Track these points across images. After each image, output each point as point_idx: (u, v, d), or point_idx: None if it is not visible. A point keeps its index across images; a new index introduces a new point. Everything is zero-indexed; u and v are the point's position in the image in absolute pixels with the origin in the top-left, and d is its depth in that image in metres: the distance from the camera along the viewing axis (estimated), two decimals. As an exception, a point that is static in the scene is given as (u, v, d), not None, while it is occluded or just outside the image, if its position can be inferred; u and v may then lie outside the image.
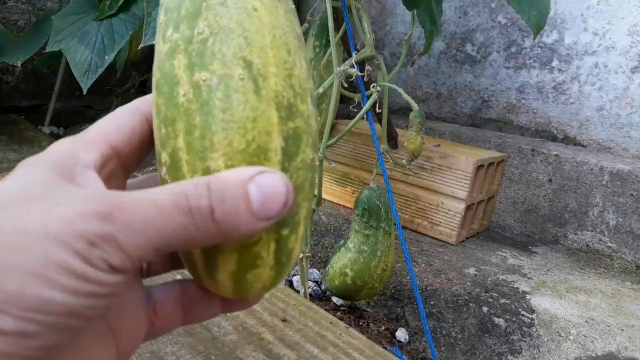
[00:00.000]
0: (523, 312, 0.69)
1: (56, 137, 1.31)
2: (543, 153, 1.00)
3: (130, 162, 0.24)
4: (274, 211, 0.20)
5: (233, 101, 0.21)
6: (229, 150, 0.21)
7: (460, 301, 0.71)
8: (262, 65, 0.21)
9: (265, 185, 0.19)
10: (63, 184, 0.19)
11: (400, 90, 0.67)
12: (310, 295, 0.76)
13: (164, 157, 0.22)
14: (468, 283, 0.76)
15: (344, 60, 0.71)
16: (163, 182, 0.22)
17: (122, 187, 0.24)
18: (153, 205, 0.19)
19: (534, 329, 0.66)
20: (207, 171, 0.21)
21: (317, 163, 0.24)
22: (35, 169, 0.20)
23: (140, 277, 0.25)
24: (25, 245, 0.17)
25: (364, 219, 0.67)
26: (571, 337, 0.65)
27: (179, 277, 0.27)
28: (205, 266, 0.22)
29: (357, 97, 0.75)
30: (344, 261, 0.67)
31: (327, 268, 0.70)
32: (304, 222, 0.23)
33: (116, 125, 0.23)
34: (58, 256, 0.17)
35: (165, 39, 0.22)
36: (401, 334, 0.70)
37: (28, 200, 0.19)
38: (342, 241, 0.69)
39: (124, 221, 0.18)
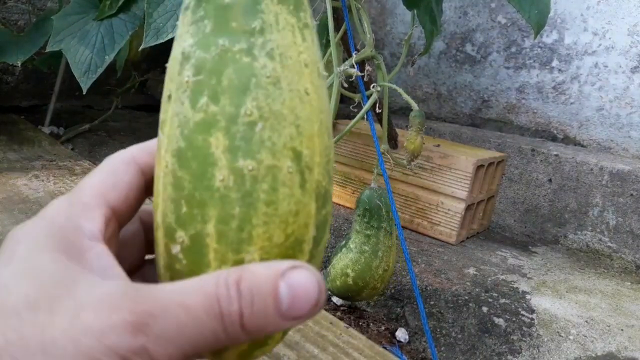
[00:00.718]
0: (523, 312, 0.69)
1: (56, 137, 1.31)
2: (543, 153, 1.00)
3: (125, 217, 0.23)
4: (304, 312, 0.18)
5: (279, 195, 0.19)
6: (267, 244, 0.19)
7: (460, 301, 0.71)
8: (309, 156, 0.20)
9: (296, 284, 0.18)
10: (78, 272, 0.18)
11: (400, 90, 0.67)
12: (310, 295, 0.76)
13: (181, 236, 0.20)
14: (468, 283, 0.76)
15: (344, 60, 0.71)
16: (170, 258, 0.21)
17: (117, 241, 0.23)
18: (185, 311, 0.17)
19: (533, 329, 0.66)
20: (238, 263, 0.19)
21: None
22: (39, 251, 0.18)
23: None
24: None
25: (365, 219, 0.67)
26: (571, 337, 0.65)
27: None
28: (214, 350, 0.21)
29: (357, 97, 0.75)
30: (345, 262, 0.67)
31: (328, 269, 0.70)
32: None
33: (112, 181, 0.22)
34: None
35: (197, 107, 0.19)
36: (401, 334, 0.70)
37: (46, 301, 0.17)
38: (344, 241, 0.69)
39: (157, 331, 0.17)
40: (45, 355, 0.16)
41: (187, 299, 0.17)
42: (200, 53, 0.19)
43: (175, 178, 0.20)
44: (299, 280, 0.18)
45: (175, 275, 0.20)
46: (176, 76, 0.20)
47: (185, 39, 0.20)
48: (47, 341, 0.16)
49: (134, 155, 0.22)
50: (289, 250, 0.20)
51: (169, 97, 0.20)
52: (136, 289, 0.18)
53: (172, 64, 0.21)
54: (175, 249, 0.20)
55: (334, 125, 1.02)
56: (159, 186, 0.21)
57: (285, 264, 0.18)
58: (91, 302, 0.17)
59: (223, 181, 0.19)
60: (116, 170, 0.22)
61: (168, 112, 0.20)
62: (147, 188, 0.23)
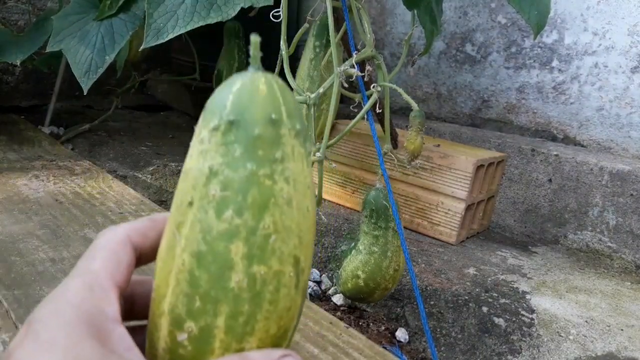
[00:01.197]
0: (523, 312, 0.69)
1: (56, 137, 1.31)
2: (543, 153, 1.00)
3: (123, 293, 0.26)
4: None
5: (280, 295, 0.23)
6: (264, 335, 0.23)
7: (460, 301, 0.71)
8: (304, 261, 0.24)
9: None
10: (112, 357, 0.21)
11: (400, 90, 0.67)
12: (310, 295, 0.76)
13: (191, 326, 0.23)
14: (468, 283, 0.76)
15: (344, 60, 0.71)
16: (174, 344, 0.23)
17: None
18: None
19: (533, 329, 0.66)
20: (239, 351, 0.23)
21: None
22: (78, 339, 0.21)
23: None
24: None
25: (373, 220, 0.67)
26: (571, 337, 0.65)
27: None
28: None
29: (357, 97, 0.75)
30: (355, 263, 0.67)
31: (339, 271, 0.70)
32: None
33: (116, 263, 0.25)
34: None
35: (222, 218, 0.22)
36: (401, 334, 0.70)
37: None
38: (353, 244, 0.69)
39: None
40: None
41: None
42: (229, 172, 0.23)
43: (191, 276, 0.23)
44: None
45: (177, 358, 0.24)
46: (201, 187, 0.23)
47: (213, 156, 0.23)
48: None
49: (128, 235, 0.25)
50: (279, 340, 0.24)
51: (190, 203, 0.23)
52: None
53: (195, 174, 0.23)
54: (182, 336, 0.23)
55: (334, 125, 1.02)
56: (170, 279, 0.23)
57: (279, 352, 0.22)
58: None
59: (238, 283, 0.22)
60: (117, 251, 0.25)
61: (188, 216, 0.23)
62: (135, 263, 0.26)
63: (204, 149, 0.23)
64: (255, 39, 0.23)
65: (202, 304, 0.22)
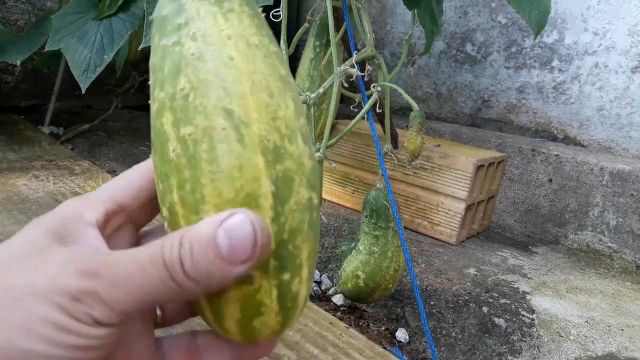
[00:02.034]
0: (523, 312, 0.69)
1: (56, 137, 1.31)
2: (543, 153, 1.00)
3: (140, 217, 0.25)
4: (245, 255, 0.20)
5: (217, 152, 0.21)
6: (219, 201, 0.21)
7: (460, 301, 0.71)
8: (243, 112, 0.22)
9: (232, 229, 0.20)
10: (55, 245, 0.20)
11: (400, 90, 0.67)
12: (310, 295, 0.76)
13: (164, 211, 0.22)
14: (468, 283, 0.76)
15: (345, 60, 0.71)
16: (165, 234, 0.23)
17: (133, 238, 0.25)
18: (134, 262, 0.20)
19: (534, 329, 0.66)
20: (197, 217, 0.21)
21: (316, 201, 0.24)
22: (34, 231, 0.21)
23: (151, 326, 0.25)
24: (10, 300, 0.18)
25: (373, 220, 0.66)
26: (571, 337, 0.65)
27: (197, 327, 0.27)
28: (213, 316, 0.23)
29: (357, 97, 0.75)
30: (355, 264, 0.67)
31: (339, 272, 0.70)
32: (308, 264, 0.23)
33: (125, 183, 0.24)
34: (41, 310, 0.18)
35: (154, 99, 0.23)
36: (401, 334, 0.70)
37: (18, 259, 0.20)
38: (353, 244, 0.69)
39: (108, 278, 0.19)
40: (3, 292, 0.19)
41: (137, 254, 0.20)
42: (153, 59, 0.23)
43: (154, 164, 0.23)
44: (234, 225, 0.20)
45: None
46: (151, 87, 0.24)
47: (152, 56, 0.24)
48: (8, 282, 0.19)
49: (150, 164, 0.24)
50: (244, 206, 0.21)
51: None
52: (99, 251, 0.21)
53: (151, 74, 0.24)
54: (165, 225, 0.23)
55: (334, 125, 1.02)
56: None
57: (225, 213, 0.20)
58: (54, 258, 0.20)
59: (174, 151, 0.21)
60: (130, 175, 0.25)
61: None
62: None
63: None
64: None
65: (162, 185, 0.22)
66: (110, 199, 0.24)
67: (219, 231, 0.20)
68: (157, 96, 0.22)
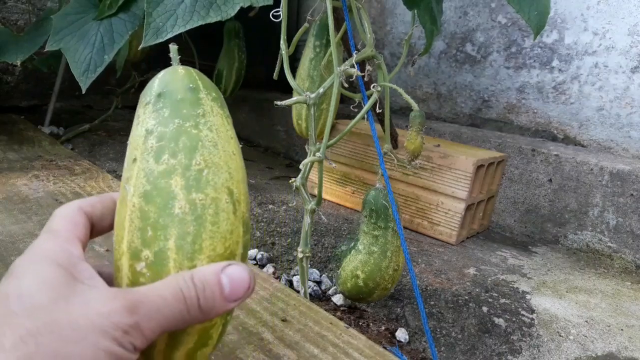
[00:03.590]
0: (523, 312, 0.69)
1: (56, 137, 1.31)
2: (543, 153, 1.00)
3: (84, 245, 0.31)
4: (241, 294, 0.27)
5: (220, 218, 0.28)
6: (212, 253, 0.27)
7: (460, 301, 0.71)
8: (238, 194, 0.29)
9: (232, 274, 0.27)
10: (74, 280, 0.25)
11: (400, 90, 0.67)
12: (310, 295, 0.76)
13: (147, 254, 0.27)
14: (468, 283, 0.76)
15: (344, 60, 0.71)
16: (135, 275, 0.27)
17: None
18: (160, 298, 0.25)
19: (534, 329, 0.66)
20: (192, 268, 0.27)
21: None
22: (46, 268, 0.25)
23: None
24: (79, 337, 0.23)
25: (372, 220, 0.66)
26: (571, 337, 0.65)
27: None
28: (166, 344, 0.28)
29: (357, 97, 0.75)
30: (354, 263, 0.67)
31: (339, 271, 0.70)
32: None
33: (72, 224, 0.30)
34: (104, 343, 0.23)
35: (160, 162, 0.28)
36: (401, 334, 0.70)
37: (62, 298, 0.24)
38: (352, 243, 0.69)
39: (145, 312, 0.25)
40: (73, 329, 0.23)
41: (161, 291, 0.25)
42: (161, 128, 0.28)
43: (142, 212, 0.27)
44: (235, 272, 0.27)
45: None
46: (141, 145, 0.28)
47: (147, 121, 0.29)
48: (73, 320, 0.23)
49: (79, 205, 0.31)
50: (227, 259, 0.28)
51: (134, 160, 0.28)
52: (123, 290, 0.26)
53: (136, 139, 0.29)
54: (140, 265, 0.27)
55: (334, 125, 1.02)
56: (125, 222, 0.28)
57: (224, 263, 0.27)
58: (97, 297, 0.24)
59: (181, 209, 0.27)
60: (72, 215, 0.30)
61: (134, 170, 0.28)
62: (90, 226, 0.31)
63: (140, 120, 0.30)
64: (173, 47, 0.31)
65: (153, 232, 0.27)
66: (76, 236, 0.28)
67: (222, 275, 0.27)
68: (166, 161, 0.27)
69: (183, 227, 0.27)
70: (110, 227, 0.31)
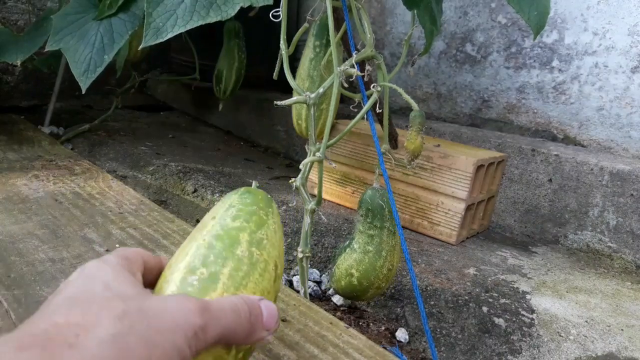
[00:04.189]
0: (523, 312, 0.69)
1: (56, 137, 1.31)
2: (543, 153, 1.00)
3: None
4: (273, 324, 0.32)
5: (265, 276, 0.35)
6: (256, 290, 0.34)
7: (460, 301, 0.71)
8: (280, 271, 0.38)
9: (268, 305, 0.32)
10: (147, 289, 0.30)
11: (400, 90, 0.67)
12: (310, 295, 0.76)
13: (202, 271, 0.33)
14: (468, 283, 0.76)
15: (344, 60, 0.71)
16: (184, 285, 0.32)
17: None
18: (222, 308, 0.29)
19: (534, 329, 0.66)
20: (235, 293, 0.32)
21: None
22: (122, 273, 0.30)
23: None
24: (164, 328, 0.25)
25: (368, 219, 0.66)
26: (571, 337, 0.65)
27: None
28: None
29: (357, 97, 0.75)
30: (349, 262, 0.67)
31: (333, 269, 0.70)
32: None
33: (134, 257, 0.34)
34: (179, 342, 0.25)
35: (236, 221, 0.37)
36: (401, 334, 0.70)
37: (144, 294, 0.28)
38: (347, 242, 0.69)
39: (211, 316, 0.28)
40: (159, 319, 0.25)
41: (221, 304, 0.29)
42: (242, 206, 0.39)
43: (209, 245, 0.34)
44: (269, 304, 0.32)
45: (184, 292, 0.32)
46: (222, 212, 0.38)
47: (231, 201, 0.40)
48: (158, 312, 0.26)
49: (139, 251, 0.35)
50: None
51: (213, 217, 0.38)
52: (190, 296, 0.30)
53: (217, 208, 0.39)
54: (192, 278, 0.32)
55: (334, 125, 1.02)
56: (190, 250, 0.34)
57: (258, 297, 0.33)
58: (170, 298, 0.28)
59: (242, 252, 0.35)
60: (130, 253, 0.34)
61: (210, 224, 0.37)
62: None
63: (225, 200, 0.40)
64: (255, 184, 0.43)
65: (214, 258, 0.33)
66: (137, 265, 0.33)
67: (262, 303, 0.32)
68: (241, 223, 0.37)
69: (239, 264, 0.34)
70: (148, 284, 0.35)
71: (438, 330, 0.70)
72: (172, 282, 0.32)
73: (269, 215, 0.39)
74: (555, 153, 0.99)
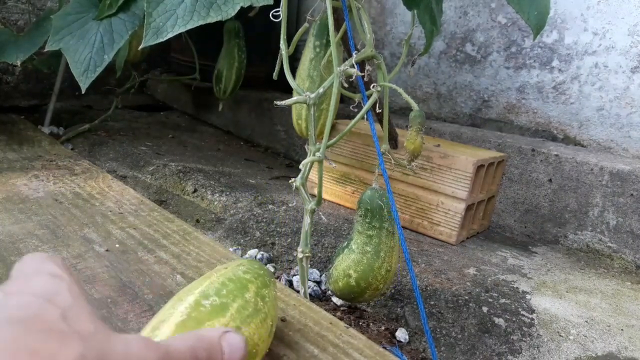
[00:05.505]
0: (523, 312, 0.69)
1: (56, 137, 1.31)
2: (543, 153, 1.00)
3: None
4: (236, 359, 0.30)
5: (266, 324, 0.39)
6: (255, 332, 0.38)
7: (460, 301, 0.71)
8: (274, 330, 0.43)
9: (231, 343, 0.30)
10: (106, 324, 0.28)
11: (400, 90, 0.67)
12: (310, 295, 0.76)
13: (214, 299, 0.36)
14: (468, 283, 0.76)
15: (344, 60, 0.71)
16: (197, 304, 0.36)
17: None
18: (181, 354, 0.27)
19: (534, 329, 0.66)
20: (238, 328, 0.36)
21: None
22: (80, 300, 0.26)
23: None
24: None
25: (367, 220, 0.66)
26: (571, 337, 0.65)
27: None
28: None
29: (357, 97, 0.75)
30: (347, 262, 0.67)
31: (330, 270, 0.69)
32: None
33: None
34: None
35: (245, 273, 0.41)
36: (401, 334, 0.70)
37: (105, 333, 0.24)
38: (345, 242, 0.69)
39: (171, 357, 0.26)
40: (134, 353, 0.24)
41: (179, 347, 0.28)
42: (251, 267, 0.44)
43: (222, 283, 0.39)
44: (233, 339, 0.31)
45: (195, 313, 0.35)
46: (234, 267, 0.43)
47: (242, 261, 0.45)
48: (123, 354, 0.24)
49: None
50: (252, 347, 0.38)
51: (226, 267, 0.42)
52: (150, 339, 0.28)
53: (229, 264, 0.44)
54: (206, 302, 0.36)
55: (334, 125, 1.02)
56: (205, 283, 0.38)
57: (223, 328, 0.32)
58: (133, 341, 0.25)
59: (250, 297, 0.39)
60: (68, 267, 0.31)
61: (222, 271, 0.41)
62: None
63: (238, 261, 0.45)
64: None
65: (226, 293, 0.37)
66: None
67: (222, 342, 0.30)
68: (251, 277, 0.41)
69: (246, 304, 0.38)
70: None
71: (438, 330, 0.70)
72: (186, 301, 0.35)
73: (271, 283, 0.44)
74: (555, 153, 0.99)
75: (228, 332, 0.30)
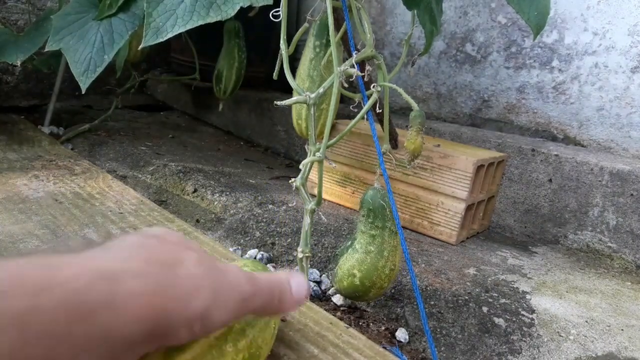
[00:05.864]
0: (523, 312, 0.69)
1: (56, 137, 1.31)
2: (543, 153, 1.00)
3: None
4: (302, 296, 0.35)
5: (268, 327, 0.41)
6: (257, 352, 0.39)
7: (460, 301, 0.71)
8: (276, 324, 0.44)
9: (297, 282, 0.35)
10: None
11: (400, 90, 0.67)
12: (310, 295, 0.76)
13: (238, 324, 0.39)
14: (468, 283, 0.76)
15: (344, 60, 0.71)
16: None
17: None
18: (263, 284, 0.32)
19: (534, 329, 0.66)
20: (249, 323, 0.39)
21: None
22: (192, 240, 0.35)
23: None
24: (229, 287, 0.30)
25: (370, 220, 0.66)
26: (571, 337, 0.65)
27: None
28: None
29: (357, 97, 0.75)
30: (351, 262, 0.67)
31: (335, 269, 0.70)
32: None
33: None
34: (237, 298, 0.30)
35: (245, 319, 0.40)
36: (401, 334, 0.70)
37: (211, 257, 0.32)
38: (349, 242, 0.69)
39: (257, 287, 0.32)
40: (226, 274, 0.30)
41: (267, 276, 0.34)
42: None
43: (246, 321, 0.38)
44: (298, 281, 0.36)
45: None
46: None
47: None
48: (225, 268, 0.31)
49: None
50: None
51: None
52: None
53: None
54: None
55: (334, 125, 1.02)
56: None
57: (290, 272, 0.37)
58: (233, 267, 0.32)
59: (247, 343, 0.38)
60: None
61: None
62: None
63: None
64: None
65: (241, 328, 0.37)
66: None
67: (290, 279, 0.35)
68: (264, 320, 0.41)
69: (251, 346, 0.38)
70: None
71: (438, 330, 0.70)
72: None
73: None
74: (555, 153, 0.99)
75: (294, 273, 0.36)
